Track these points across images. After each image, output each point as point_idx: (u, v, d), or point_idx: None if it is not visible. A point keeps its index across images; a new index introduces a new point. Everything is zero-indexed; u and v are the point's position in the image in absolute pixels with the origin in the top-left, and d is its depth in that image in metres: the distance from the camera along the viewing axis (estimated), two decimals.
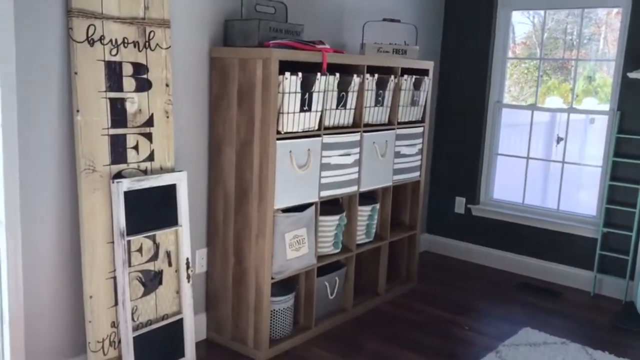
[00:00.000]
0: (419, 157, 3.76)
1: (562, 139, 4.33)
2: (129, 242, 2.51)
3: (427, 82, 3.66)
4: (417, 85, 3.57)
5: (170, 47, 2.65)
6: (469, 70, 4.44)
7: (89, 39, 2.35)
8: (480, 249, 4.49)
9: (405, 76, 3.47)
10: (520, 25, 4.59)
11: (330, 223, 3.17)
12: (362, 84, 3.16)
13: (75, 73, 2.32)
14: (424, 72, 3.67)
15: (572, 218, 4.14)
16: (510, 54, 4.49)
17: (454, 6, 4.49)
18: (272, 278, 2.84)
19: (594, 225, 3.98)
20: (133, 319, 2.56)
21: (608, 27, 4.23)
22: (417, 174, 3.77)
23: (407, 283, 3.89)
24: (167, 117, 2.66)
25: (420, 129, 3.72)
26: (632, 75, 3.59)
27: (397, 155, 3.56)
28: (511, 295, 3.90)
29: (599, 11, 4.13)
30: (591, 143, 4.44)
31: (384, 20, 3.65)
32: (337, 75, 2.98)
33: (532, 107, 4.33)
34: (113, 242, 2.47)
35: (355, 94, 3.15)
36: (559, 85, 4.50)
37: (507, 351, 3.04)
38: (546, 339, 3.21)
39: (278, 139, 2.72)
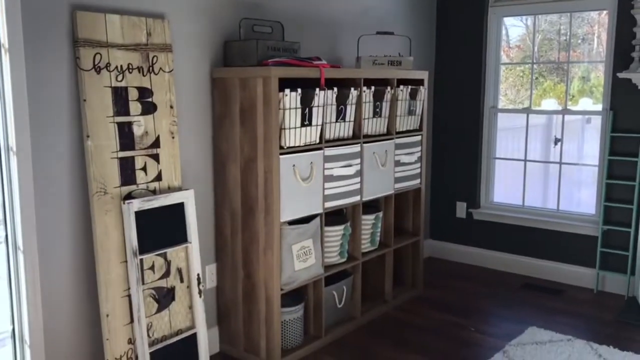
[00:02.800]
0: (419, 164, 3.84)
1: (559, 140, 4.41)
2: (141, 260, 2.59)
3: (423, 92, 3.76)
4: (413, 95, 3.67)
5: (173, 70, 2.75)
6: (463, 78, 4.54)
7: (96, 66, 2.45)
8: (483, 252, 4.56)
9: (401, 87, 3.57)
10: (514, 29, 4.69)
11: (336, 233, 3.25)
12: (359, 97, 3.25)
13: (84, 100, 2.42)
14: (420, 82, 3.77)
15: (572, 217, 4.22)
16: (504, 58, 4.59)
17: (445, 15, 4.59)
18: (282, 289, 2.92)
19: (594, 223, 4.06)
20: (148, 335, 2.64)
21: (601, 27, 4.31)
22: (418, 181, 3.86)
23: (413, 289, 3.96)
24: (173, 137, 2.75)
25: (418, 138, 3.81)
26: (622, 75, 3.68)
27: (397, 164, 3.65)
28: (515, 296, 3.97)
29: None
30: (588, 143, 4.53)
31: (378, 33, 3.75)
32: (335, 89, 3.07)
33: (526, 111, 4.43)
34: (126, 261, 2.56)
35: (354, 107, 3.24)
36: (554, 86, 4.60)
37: (514, 351, 3.11)
38: (552, 336, 3.28)
39: (281, 154, 2.81)
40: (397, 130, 3.61)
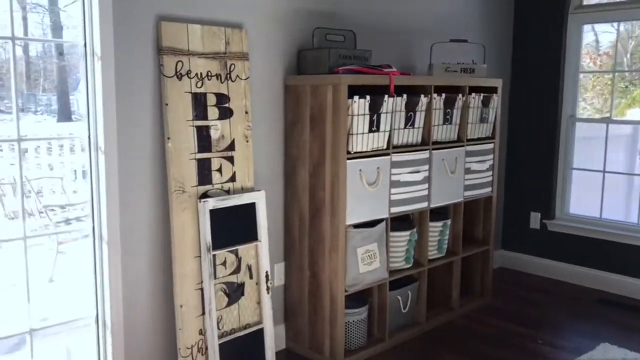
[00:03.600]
0: (490, 173, 3.81)
1: None
2: (214, 256, 2.75)
3: (496, 99, 3.73)
4: (485, 103, 3.65)
5: (249, 77, 2.89)
6: (540, 86, 4.45)
7: (178, 73, 2.63)
8: (557, 264, 4.44)
9: (473, 94, 3.56)
10: (605, 35, 4.53)
11: (402, 238, 3.29)
12: (429, 104, 3.28)
13: (166, 104, 2.60)
14: (493, 90, 3.75)
15: None
16: (591, 65, 4.45)
17: (523, 23, 4.53)
18: (346, 291, 2.99)
19: None
20: (218, 327, 2.78)
21: None
22: (489, 189, 3.83)
23: (481, 298, 3.92)
24: (247, 141, 2.90)
25: (490, 145, 3.78)
26: None
27: (468, 171, 3.64)
28: (589, 311, 3.85)
29: None
30: None
31: (451, 41, 3.76)
32: (405, 96, 3.12)
33: (606, 120, 4.28)
34: (200, 256, 2.72)
35: (423, 113, 3.28)
36: None
37: None
38: (625, 354, 3.16)
39: (348, 159, 2.89)
40: (468, 138, 3.61)
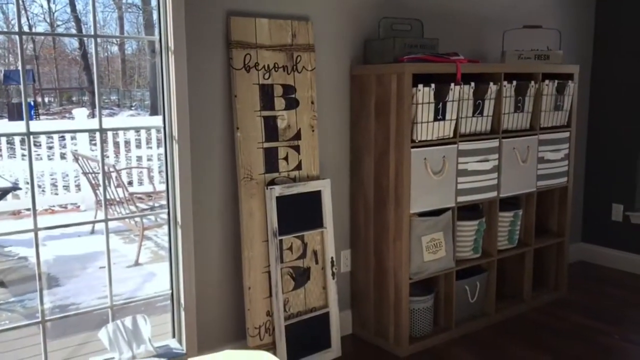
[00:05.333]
0: (566, 162, 3.69)
1: None
2: (280, 241, 2.85)
3: (572, 86, 3.60)
4: (560, 90, 3.53)
5: (314, 68, 2.97)
6: (623, 71, 4.24)
7: (246, 66, 2.75)
8: (639, 258, 4.24)
9: (547, 81, 3.46)
10: None
11: (469, 228, 3.26)
12: (499, 91, 3.23)
13: (235, 96, 2.73)
14: (569, 77, 3.62)
15: None
16: None
17: (605, 5, 4.32)
18: (410, 279, 3.02)
19: None
20: (285, 310, 2.89)
21: None
22: (564, 179, 3.71)
23: (555, 291, 3.81)
24: (313, 131, 2.98)
25: (565, 134, 3.66)
26: None
27: (541, 160, 3.54)
28: None
29: None
30: None
31: (525, 27, 3.67)
32: (472, 84, 3.09)
33: None
34: (267, 241, 2.83)
35: (493, 102, 3.23)
36: None
37: None
38: None
39: (412, 147, 2.91)
40: (542, 126, 3.51)
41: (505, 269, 3.66)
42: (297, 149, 2.94)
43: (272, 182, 2.86)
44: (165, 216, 2.83)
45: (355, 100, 3.14)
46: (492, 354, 3.08)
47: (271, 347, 2.86)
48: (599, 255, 4.49)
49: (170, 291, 2.80)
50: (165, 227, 3.00)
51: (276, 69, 2.85)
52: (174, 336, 2.82)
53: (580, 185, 4.50)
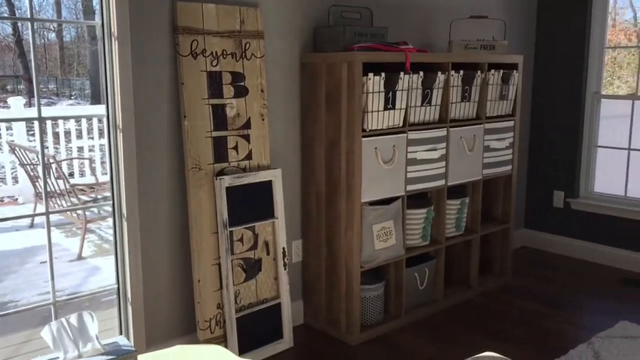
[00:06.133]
0: (510, 150, 3.78)
1: None
2: (231, 232, 2.80)
3: (516, 76, 3.68)
4: (505, 80, 3.61)
5: (264, 55, 2.92)
6: (565, 62, 4.37)
7: (193, 52, 2.67)
8: (580, 243, 4.40)
9: (493, 71, 3.53)
10: None
11: (418, 216, 3.30)
12: (447, 81, 3.26)
13: (182, 83, 2.65)
14: (513, 66, 3.70)
15: None
16: (625, 42, 4.34)
17: None
18: (361, 267, 3.02)
19: None
20: (236, 302, 2.85)
21: None
22: (509, 167, 3.80)
23: (501, 277, 3.92)
24: (263, 119, 2.93)
25: (510, 123, 3.74)
26: None
27: (487, 149, 3.61)
28: (611, 290, 3.81)
29: None
30: None
31: (471, 17, 3.72)
32: (421, 73, 3.11)
33: (632, 97, 4.18)
34: (217, 233, 2.78)
35: (441, 91, 3.26)
36: None
37: (601, 343, 3.02)
38: None
39: (363, 137, 2.91)
40: (487, 115, 3.58)
41: (453, 255, 3.72)
42: (247, 138, 2.89)
43: (222, 173, 2.80)
44: (109, 208, 2.73)
45: (306, 89, 3.11)
46: (442, 340, 3.14)
47: (222, 340, 2.81)
48: (542, 240, 4.63)
49: (116, 285, 2.71)
50: (109, 220, 2.90)
51: (224, 56, 2.78)
52: (121, 332, 2.73)
53: (523, 173, 4.63)
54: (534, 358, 2.86)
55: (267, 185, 2.94)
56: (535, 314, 3.44)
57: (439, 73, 3.20)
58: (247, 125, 2.88)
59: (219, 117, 2.78)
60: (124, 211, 2.61)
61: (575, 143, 4.40)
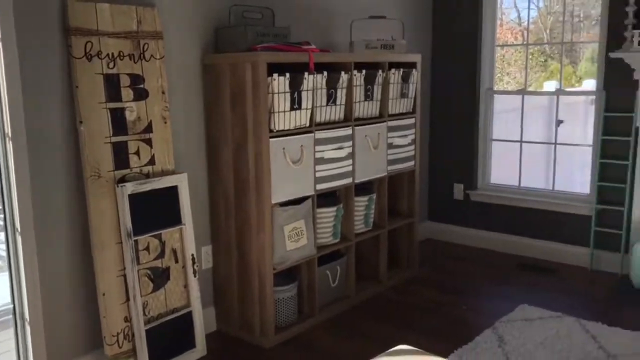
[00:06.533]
0: (413, 147, 3.90)
1: (561, 121, 4.45)
2: (136, 241, 2.69)
3: (416, 75, 3.80)
4: (405, 78, 3.71)
5: (164, 57, 2.82)
6: (459, 60, 4.57)
7: (87, 54, 2.53)
8: (479, 233, 4.62)
9: (393, 70, 3.62)
10: (526, 11, 4.63)
11: (328, 214, 3.33)
12: (350, 80, 3.31)
13: (76, 87, 2.50)
14: (412, 65, 3.81)
15: (567, 197, 4.26)
16: (512, 40, 4.58)
17: None
18: (274, 269, 3.00)
19: (588, 203, 4.10)
20: (144, 313, 2.74)
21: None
22: (412, 163, 3.92)
23: (408, 269, 4.03)
24: (165, 122, 2.84)
25: (411, 120, 3.86)
26: (614, 55, 3.70)
27: (390, 146, 3.70)
28: (510, 275, 4.03)
29: None
30: (590, 123, 4.55)
31: (370, 17, 3.80)
32: (325, 73, 3.13)
33: (521, 92, 4.45)
34: (121, 243, 2.65)
35: (345, 90, 3.30)
36: (563, 68, 4.57)
37: (503, 327, 3.18)
38: (542, 313, 3.34)
39: (271, 137, 2.89)
40: (390, 113, 3.67)
41: (362, 251, 3.79)
42: (149, 142, 2.78)
43: (123, 179, 2.68)
44: (0, 222, 2.53)
45: (210, 90, 3.04)
46: (355, 335, 3.18)
47: (132, 355, 2.69)
48: (445, 232, 4.82)
49: (11, 305, 2.52)
50: (1, 235, 2.69)
51: (122, 58, 2.66)
52: (18, 355, 2.54)
53: (425, 168, 4.79)
54: (443, 347, 2.96)
55: (173, 191, 2.84)
56: (443, 303, 3.57)
57: (342, 73, 3.24)
58: (149, 129, 2.78)
59: (118, 122, 2.66)
60: (18, 225, 2.42)
61: (472, 137, 4.61)
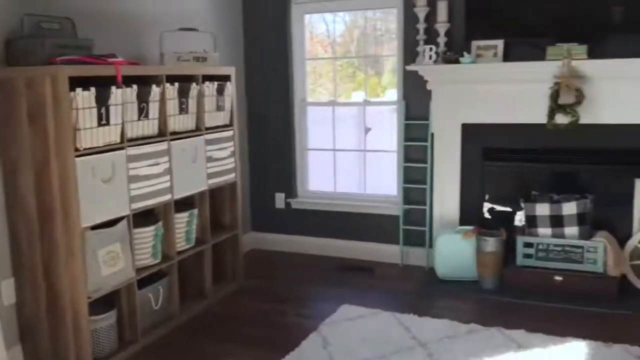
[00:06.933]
0: (232, 159, 3.90)
1: (369, 129, 4.76)
2: None
3: (230, 87, 3.81)
4: (220, 91, 3.70)
5: None
6: (273, 73, 4.68)
7: None
8: (301, 239, 4.77)
9: (207, 83, 3.59)
10: (334, 25, 4.85)
11: (147, 234, 3.19)
12: (162, 94, 3.21)
13: None
14: (227, 78, 3.82)
15: (378, 200, 4.57)
16: (323, 53, 4.78)
17: (251, 12, 4.69)
18: (89, 297, 2.80)
19: (396, 204, 4.44)
20: None
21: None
22: (232, 175, 3.91)
23: (234, 282, 4.02)
24: None
25: (230, 133, 3.86)
26: (409, 68, 4.06)
27: (210, 159, 3.66)
28: (331, 278, 4.21)
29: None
30: (394, 131, 4.92)
31: (181, 29, 3.73)
32: (135, 87, 3.00)
33: (332, 103, 4.69)
34: None
35: (157, 104, 3.19)
36: (369, 80, 4.88)
37: (328, 329, 3.30)
38: (361, 312, 3.53)
39: (77, 156, 2.69)
40: (207, 126, 3.63)
41: (186, 269, 3.69)
42: None
43: None
44: None
45: (2, 107, 2.75)
46: (180, 355, 3.09)
47: None
48: (268, 241, 4.89)
49: None
50: None
51: None
52: None
53: (246, 180, 4.83)
54: (272, 356, 2.99)
55: None
56: (270, 312, 3.62)
57: (154, 86, 3.14)
58: None
59: None
60: None
61: (289, 148, 4.74)
